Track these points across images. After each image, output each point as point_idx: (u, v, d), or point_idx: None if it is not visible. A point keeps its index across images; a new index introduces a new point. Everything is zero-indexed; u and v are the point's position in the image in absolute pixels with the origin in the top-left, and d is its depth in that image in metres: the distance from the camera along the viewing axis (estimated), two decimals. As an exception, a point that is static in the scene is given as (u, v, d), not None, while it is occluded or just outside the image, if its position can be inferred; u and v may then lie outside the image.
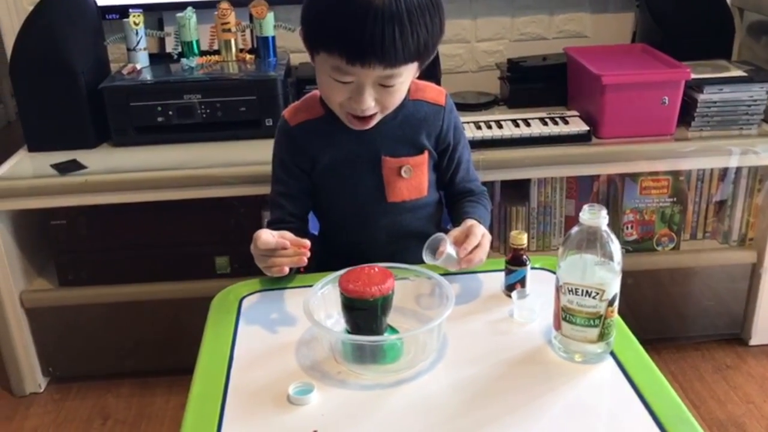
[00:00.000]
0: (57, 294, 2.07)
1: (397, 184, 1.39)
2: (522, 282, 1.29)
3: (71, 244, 2.03)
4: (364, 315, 1.11)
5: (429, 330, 1.11)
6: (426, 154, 1.42)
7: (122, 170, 1.92)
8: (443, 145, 1.45)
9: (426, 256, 1.25)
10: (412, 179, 1.40)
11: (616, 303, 1.10)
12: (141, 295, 2.06)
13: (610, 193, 2.16)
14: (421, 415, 1.02)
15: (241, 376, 1.12)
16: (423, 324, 1.13)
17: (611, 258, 1.08)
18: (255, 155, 1.88)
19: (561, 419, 1.01)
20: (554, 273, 1.16)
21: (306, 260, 1.22)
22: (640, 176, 2.06)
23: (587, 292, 1.08)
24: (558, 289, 1.12)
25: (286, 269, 1.22)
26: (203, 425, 1.02)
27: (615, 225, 2.13)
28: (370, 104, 1.26)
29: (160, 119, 2.02)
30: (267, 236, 1.21)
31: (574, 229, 1.10)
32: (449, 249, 1.24)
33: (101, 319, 2.08)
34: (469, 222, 1.33)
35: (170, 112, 2.02)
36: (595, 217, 1.07)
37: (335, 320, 1.17)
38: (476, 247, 1.26)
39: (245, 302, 1.33)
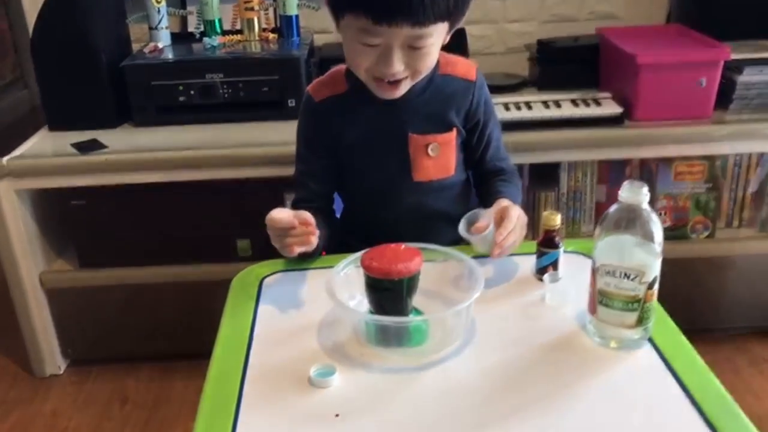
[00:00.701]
0: (77, 275, 2.05)
1: (424, 162, 1.34)
2: (554, 265, 1.24)
3: (91, 225, 2.02)
4: (389, 295, 1.06)
5: (456, 312, 1.06)
6: (454, 132, 1.36)
7: (143, 149, 1.89)
8: (472, 122, 1.39)
9: (462, 230, 1.20)
10: (439, 158, 1.35)
11: (656, 286, 1.04)
12: (161, 277, 2.03)
13: (643, 178, 2.08)
14: (447, 401, 0.97)
15: (260, 357, 1.08)
16: (450, 307, 1.07)
17: (652, 238, 1.02)
18: (277, 136, 1.85)
19: (595, 408, 0.95)
20: (588, 257, 1.13)
21: (314, 240, 1.17)
22: (674, 161, 1.99)
23: (626, 274, 1.02)
24: (594, 271, 1.06)
25: (296, 250, 1.17)
26: (220, 408, 0.98)
27: None
28: (399, 68, 1.20)
29: (181, 99, 1.99)
30: (277, 214, 1.16)
31: (613, 208, 1.04)
32: (489, 228, 1.19)
33: (121, 301, 2.06)
34: (504, 202, 1.26)
35: (192, 92, 1.99)
36: (635, 194, 1.01)
37: (358, 301, 1.13)
38: (510, 231, 1.20)
39: (266, 283, 1.28)
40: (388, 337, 1.06)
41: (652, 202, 2.01)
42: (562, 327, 1.12)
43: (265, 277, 1.30)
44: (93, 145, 1.92)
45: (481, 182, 1.47)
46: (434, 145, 1.33)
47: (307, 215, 1.17)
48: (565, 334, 1.11)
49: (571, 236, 2.15)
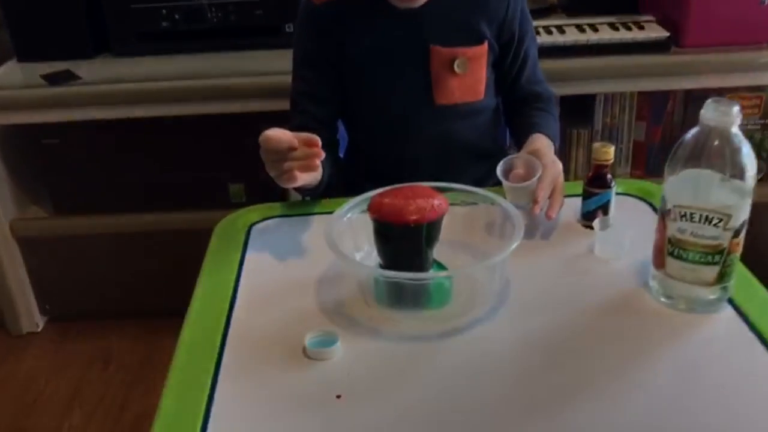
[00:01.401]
0: (51, 223, 1.92)
1: (448, 81, 1.15)
2: (605, 209, 1.03)
3: (65, 166, 1.87)
4: (404, 245, 0.87)
5: (488, 267, 0.84)
6: (485, 46, 1.17)
7: (122, 80, 1.73)
8: (507, 35, 1.19)
9: (500, 175, 1.03)
10: (467, 76, 1.15)
11: (743, 234, 0.83)
12: (146, 225, 1.89)
13: (688, 114, 1.87)
14: (476, 378, 0.79)
15: (244, 321, 0.90)
16: (480, 260, 0.90)
17: (742, 173, 0.79)
18: (274, 65, 1.65)
19: (663, 385, 0.77)
20: (644, 200, 0.99)
21: (318, 163, 0.95)
22: (725, 94, 1.75)
23: (707, 218, 0.81)
24: (664, 214, 0.84)
25: (298, 176, 0.94)
26: (193, 381, 0.81)
27: None
28: None
29: (165, 24, 1.81)
30: (274, 133, 0.93)
31: (690, 134, 0.82)
32: (532, 179, 1.01)
33: (102, 252, 1.92)
34: (539, 141, 1.10)
35: (176, 16, 1.81)
36: (723, 114, 0.78)
37: (366, 253, 0.95)
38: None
39: (255, 230, 1.11)
40: (402, 297, 0.87)
41: None
42: (617, 285, 0.93)
43: (255, 223, 1.12)
44: (65, 76, 1.74)
45: (513, 110, 1.28)
46: (461, 60, 1.14)
47: (310, 135, 0.95)
48: (621, 293, 0.92)
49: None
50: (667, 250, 0.85)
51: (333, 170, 1.17)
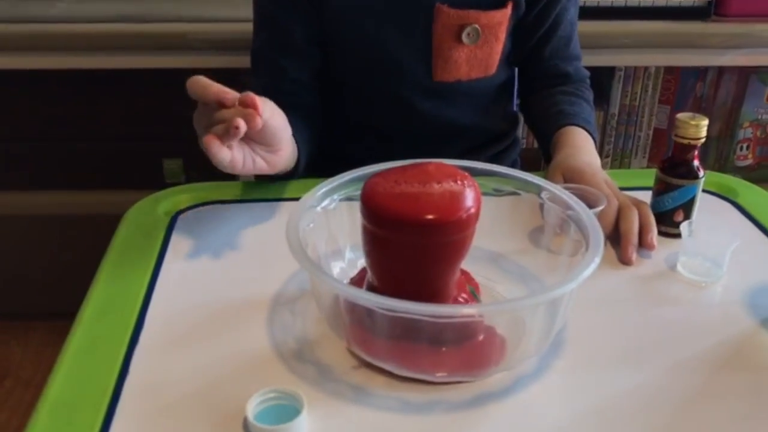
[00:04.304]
0: None
1: (453, 52, 0.92)
2: (687, 209, 0.74)
3: None
4: (416, 257, 0.54)
5: (547, 301, 0.53)
6: (508, 9, 0.92)
7: (33, 20, 1.45)
8: None
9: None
10: (479, 48, 0.92)
11: None
12: (59, 207, 1.67)
13: (719, 98, 1.64)
14: None
15: (150, 368, 0.58)
16: (527, 284, 0.63)
17: None
18: (230, 10, 1.46)
19: None
20: (726, 199, 0.80)
21: (256, 124, 0.64)
22: (762, 73, 1.58)
23: None
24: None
25: (214, 145, 0.64)
26: None
27: (725, 143, 1.66)
28: None
29: None
30: (202, 79, 0.66)
31: None
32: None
33: (1, 239, 1.69)
34: (574, 136, 0.88)
35: None
36: None
37: (348, 263, 0.66)
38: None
39: (181, 222, 0.78)
40: (409, 340, 0.54)
41: (732, 130, 1.61)
42: (721, 322, 0.63)
43: (181, 212, 0.80)
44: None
45: (533, 90, 1.03)
46: (472, 28, 0.90)
47: (252, 95, 0.65)
48: (729, 336, 0.62)
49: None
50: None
51: (313, 148, 0.90)
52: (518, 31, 0.96)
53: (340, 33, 0.93)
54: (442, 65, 0.93)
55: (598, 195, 0.70)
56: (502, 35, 0.93)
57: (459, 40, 0.91)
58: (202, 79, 0.65)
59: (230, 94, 0.64)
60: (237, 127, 0.62)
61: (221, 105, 0.64)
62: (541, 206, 0.67)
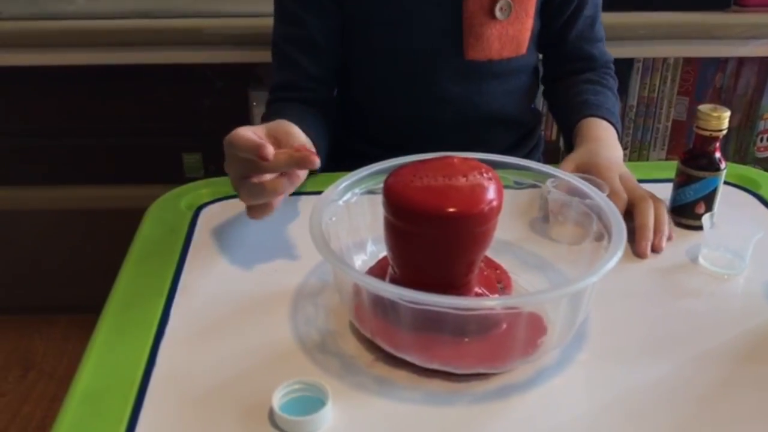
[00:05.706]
0: None
1: (486, 29, 0.92)
2: (709, 201, 0.74)
3: None
4: (439, 250, 0.55)
5: (571, 294, 0.53)
6: None
7: (52, 17, 1.47)
8: None
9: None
10: (511, 24, 0.92)
11: None
12: (79, 202, 1.68)
13: (739, 89, 1.62)
14: None
15: (176, 361, 0.59)
16: (545, 274, 0.65)
17: None
18: (247, 5, 1.45)
19: None
20: (748, 191, 0.79)
21: (314, 163, 0.64)
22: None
23: None
24: None
25: (273, 200, 0.67)
26: None
27: (745, 135, 1.64)
28: None
29: None
30: (246, 133, 0.64)
31: None
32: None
33: (24, 233, 1.73)
34: (595, 128, 0.88)
35: None
36: None
37: (370, 256, 0.67)
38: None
39: (204, 216, 0.79)
40: (432, 331, 0.55)
41: (752, 122, 1.59)
42: (744, 314, 0.63)
43: (204, 205, 0.81)
44: (-25, 10, 1.47)
45: (558, 74, 1.03)
46: (505, 2, 0.91)
47: (295, 131, 0.68)
48: (754, 328, 0.61)
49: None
50: None
51: (329, 143, 0.92)
52: (546, 10, 0.97)
53: (363, 18, 0.93)
54: (474, 43, 0.93)
55: (602, 185, 0.70)
56: (532, 10, 0.93)
57: (491, 14, 0.91)
58: (241, 132, 0.63)
59: (270, 149, 0.62)
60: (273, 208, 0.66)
61: (262, 158, 0.62)
62: (544, 195, 0.68)
